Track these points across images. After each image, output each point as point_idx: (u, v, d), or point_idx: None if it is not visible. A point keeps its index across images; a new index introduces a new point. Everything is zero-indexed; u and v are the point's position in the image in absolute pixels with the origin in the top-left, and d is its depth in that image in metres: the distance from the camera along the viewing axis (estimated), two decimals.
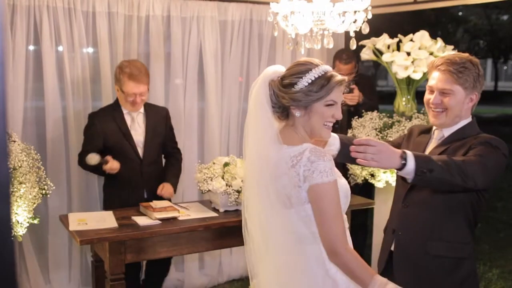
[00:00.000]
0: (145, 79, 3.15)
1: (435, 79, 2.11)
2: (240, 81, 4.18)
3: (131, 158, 3.21)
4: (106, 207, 3.28)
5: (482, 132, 2.13)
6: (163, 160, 3.49)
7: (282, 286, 1.77)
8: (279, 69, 1.78)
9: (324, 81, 1.71)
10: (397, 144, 2.31)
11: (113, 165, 3.06)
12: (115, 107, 3.26)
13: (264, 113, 1.72)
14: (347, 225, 1.86)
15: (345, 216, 1.82)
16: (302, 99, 1.70)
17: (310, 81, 1.70)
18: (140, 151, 3.26)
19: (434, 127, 2.21)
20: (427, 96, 2.15)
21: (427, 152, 2.15)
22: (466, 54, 2.14)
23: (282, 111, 1.76)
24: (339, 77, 1.74)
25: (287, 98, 1.71)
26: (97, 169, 3.14)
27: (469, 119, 2.15)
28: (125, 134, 3.21)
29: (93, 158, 3.00)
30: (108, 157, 3.07)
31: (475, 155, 1.95)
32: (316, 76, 1.70)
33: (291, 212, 1.72)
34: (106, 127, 3.19)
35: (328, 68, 1.76)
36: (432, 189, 2.05)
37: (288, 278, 1.76)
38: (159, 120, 3.35)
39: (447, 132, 2.14)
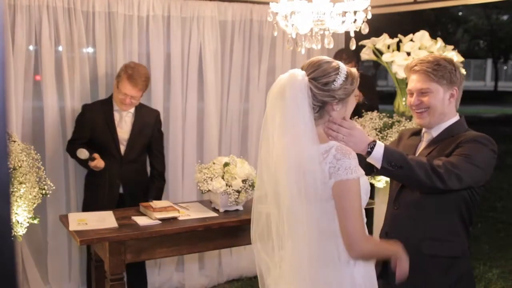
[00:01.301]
0: (142, 85, 3.23)
1: (413, 81, 2.15)
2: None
3: (112, 153, 3.30)
4: (85, 197, 3.43)
5: (470, 130, 2.14)
6: (147, 160, 3.53)
7: (304, 279, 1.81)
8: (301, 71, 1.83)
9: (351, 75, 1.85)
10: None
11: (98, 163, 3.19)
12: (108, 102, 3.37)
13: (304, 115, 1.77)
14: (365, 219, 1.92)
15: (363, 211, 1.89)
16: (342, 94, 1.82)
17: (345, 77, 1.82)
18: (122, 148, 3.34)
19: (423, 130, 2.22)
20: (408, 99, 2.19)
21: (417, 154, 2.15)
22: (439, 54, 2.17)
23: (318, 110, 1.82)
24: (355, 70, 1.90)
25: (332, 95, 1.80)
26: (83, 162, 3.27)
27: (456, 118, 2.16)
28: (110, 129, 3.30)
29: (82, 153, 3.15)
30: (96, 155, 3.19)
31: (462, 154, 1.97)
32: (346, 71, 1.83)
33: (316, 206, 1.77)
34: (94, 119, 3.30)
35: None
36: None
37: (309, 271, 1.80)
38: (148, 121, 3.41)
39: (436, 132, 2.16)
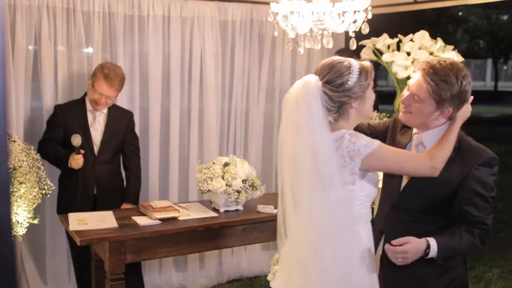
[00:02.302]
0: (117, 85, 3.23)
1: (415, 79, 2.03)
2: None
3: (85, 154, 3.23)
4: (59, 199, 3.33)
5: (464, 136, 2.08)
6: (121, 161, 3.48)
7: (314, 266, 1.84)
8: (314, 77, 1.86)
9: (364, 69, 1.87)
10: (379, 131, 2.29)
11: (80, 160, 3.12)
12: (81, 102, 3.34)
13: (319, 120, 1.81)
14: (370, 216, 1.96)
15: (369, 209, 1.95)
16: (358, 91, 1.85)
17: (358, 74, 1.84)
18: (96, 148, 3.31)
19: (414, 130, 2.14)
20: (404, 91, 2.11)
21: None
22: (459, 65, 2.01)
23: (337, 111, 1.86)
24: (368, 63, 1.92)
25: (348, 95, 1.84)
26: (58, 159, 3.20)
27: (447, 125, 2.05)
28: (84, 130, 3.26)
29: (77, 138, 3.07)
30: (82, 152, 3.13)
31: (478, 195, 2.04)
32: (358, 68, 1.85)
33: (329, 195, 1.81)
34: (67, 120, 3.27)
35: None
36: (424, 199, 2.05)
37: (319, 259, 1.83)
38: (120, 122, 3.39)
39: (427, 142, 2.06)
